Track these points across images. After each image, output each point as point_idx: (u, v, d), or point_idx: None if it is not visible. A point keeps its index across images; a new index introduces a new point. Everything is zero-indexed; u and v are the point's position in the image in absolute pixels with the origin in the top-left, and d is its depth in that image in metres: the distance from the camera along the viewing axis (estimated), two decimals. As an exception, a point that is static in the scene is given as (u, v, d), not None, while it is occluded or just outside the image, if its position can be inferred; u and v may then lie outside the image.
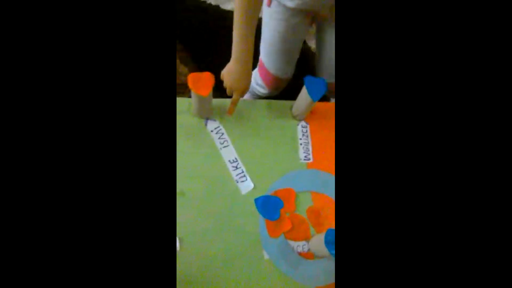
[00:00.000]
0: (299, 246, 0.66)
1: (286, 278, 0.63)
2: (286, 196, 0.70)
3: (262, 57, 0.95)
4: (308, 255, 0.66)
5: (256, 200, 0.68)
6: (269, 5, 0.81)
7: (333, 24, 0.84)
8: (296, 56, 0.94)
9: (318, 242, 0.62)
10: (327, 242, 0.56)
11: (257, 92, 1.07)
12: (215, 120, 0.75)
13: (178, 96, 0.75)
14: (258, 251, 0.64)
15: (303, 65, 1.05)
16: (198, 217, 0.65)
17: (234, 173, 0.71)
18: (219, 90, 0.76)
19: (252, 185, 0.70)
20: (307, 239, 0.67)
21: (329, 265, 0.65)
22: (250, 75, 0.71)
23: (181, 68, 1.28)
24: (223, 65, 0.72)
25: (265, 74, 0.98)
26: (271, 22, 0.83)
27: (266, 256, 0.64)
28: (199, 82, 0.65)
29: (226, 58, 0.70)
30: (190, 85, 0.65)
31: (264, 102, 0.81)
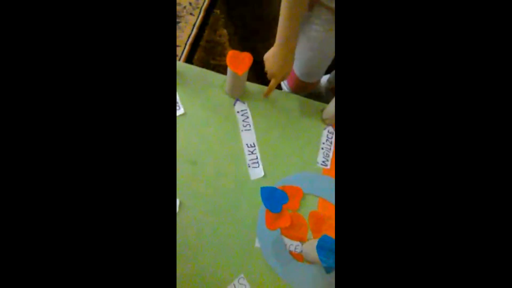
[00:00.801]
0: (292, 245, 0.65)
1: (269, 270, 0.62)
2: (293, 194, 0.69)
3: (295, 68, 0.93)
4: (298, 257, 0.65)
5: (262, 188, 0.68)
6: (309, 9, 0.77)
7: None
8: (327, 63, 0.92)
9: (312, 247, 0.61)
10: (319, 247, 0.55)
11: (283, 87, 1.07)
12: (244, 103, 0.76)
13: (212, 60, 0.77)
14: (251, 237, 0.64)
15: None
16: (202, 187, 0.66)
17: (248, 157, 0.71)
18: (256, 76, 0.77)
19: (262, 173, 0.70)
20: (302, 240, 0.66)
21: (317, 272, 0.64)
22: (292, 62, 0.70)
23: (220, 29, 1.31)
24: (264, 51, 0.73)
25: (291, 76, 0.97)
26: (306, 28, 0.80)
27: (256, 244, 0.64)
28: (237, 60, 0.66)
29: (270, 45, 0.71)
30: (228, 61, 0.66)
31: (297, 97, 0.80)
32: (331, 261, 0.54)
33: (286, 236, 0.66)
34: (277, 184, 0.70)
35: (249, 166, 0.70)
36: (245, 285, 0.60)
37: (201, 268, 0.60)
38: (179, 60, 1.24)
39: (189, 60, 1.27)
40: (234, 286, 0.60)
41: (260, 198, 0.67)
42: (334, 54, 0.88)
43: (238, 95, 0.76)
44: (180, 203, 0.64)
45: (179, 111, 0.73)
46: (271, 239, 0.65)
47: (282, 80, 0.73)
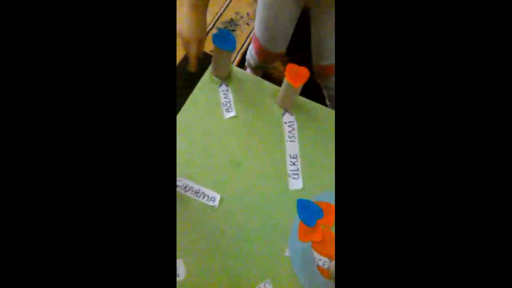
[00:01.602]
0: (321, 260, 0.66)
1: (296, 280, 0.63)
2: (328, 211, 0.70)
3: (256, 30, 0.99)
4: (325, 273, 0.65)
5: (299, 200, 0.70)
6: None
7: (326, 6, 0.84)
8: (289, 30, 0.96)
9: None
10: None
11: (251, 63, 1.13)
12: (292, 115, 0.78)
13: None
14: (282, 244, 0.66)
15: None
16: (243, 188, 0.69)
17: (289, 168, 0.73)
18: (307, 91, 0.79)
19: (301, 185, 0.71)
20: (331, 258, 0.66)
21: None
22: (204, 24, 0.67)
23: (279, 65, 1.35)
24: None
25: (257, 46, 1.03)
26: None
27: (287, 253, 0.65)
28: (295, 73, 0.69)
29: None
30: (286, 74, 0.69)
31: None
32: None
33: (316, 251, 0.67)
34: (314, 199, 0.71)
35: (289, 176, 0.72)
36: (270, 290, 0.62)
37: (232, 264, 0.63)
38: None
39: (239, 67, 1.32)
40: (261, 284, 0.61)
41: (295, 209, 0.69)
42: (295, 20, 0.93)
43: (288, 106, 0.78)
44: (221, 198, 0.67)
45: (231, 113, 0.77)
46: (301, 251, 0.66)
47: (200, 45, 0.69)
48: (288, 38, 0.99)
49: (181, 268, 0.60)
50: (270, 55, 1.03)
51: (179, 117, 0.75)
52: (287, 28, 0.95)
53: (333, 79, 1.02)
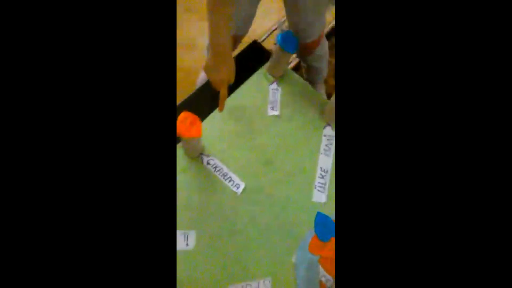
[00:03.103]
0: (325, 277, 0.65)
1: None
2: (344, 231, 0.69)
3: None
4: (326, 291, 0.64)
5: (319, 213, 0.70)
6: None
7: None
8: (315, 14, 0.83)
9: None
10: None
11: None
12: (333, 130, 0.79)
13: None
14: (291, 249, 0.66)
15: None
16: (269, 184, 0.70)
17: (318, 180, 0.73)
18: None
19: (324, 200, 0.71)
20: (334, 277, 0.66)
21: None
22: (231, 66, 0.66)
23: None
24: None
25: None
26: None
27: (293, 259, 0.65)
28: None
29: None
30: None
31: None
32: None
33: (323, 267, 0.66)
34: (333, 217, 0.70)
35: (315, 188, 0.72)
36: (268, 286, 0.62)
37: (239, 250, 0.64)
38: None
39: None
40: (259, 285, 0.61)
41: (313, 220, 0.69)
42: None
43: (333, 123, 0.79)
44: (245, 188, 0.69)
45: (275, 112, 0.78)
46: (307, 261, 0.66)
47: (229, 84, 0.68)
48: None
49: (192, 238, 0.62)
50: (307, 47, 0.93)
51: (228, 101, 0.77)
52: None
53: (316, 51, 0.97)
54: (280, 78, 0.83)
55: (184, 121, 0.60)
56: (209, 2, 0.58)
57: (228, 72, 0.66)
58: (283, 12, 0.89)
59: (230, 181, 0.69)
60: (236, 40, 0.91)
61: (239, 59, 0.77)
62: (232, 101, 0.77)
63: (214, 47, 0.63)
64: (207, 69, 0.66)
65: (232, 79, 0.68)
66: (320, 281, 0.65)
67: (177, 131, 0.59)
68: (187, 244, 0.61)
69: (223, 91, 0.67)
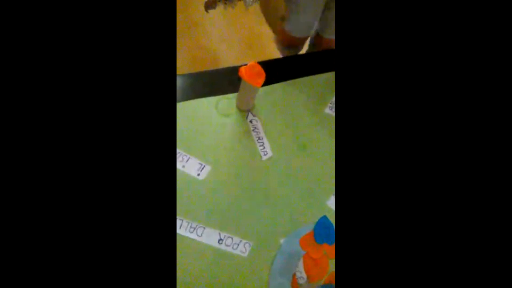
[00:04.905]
0: (300, 272, 0.65)
1: (268, 268, 0.63)
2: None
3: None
4: (295, 285, 0.64)
5: (324, 217, 0.69)
6: None
7: None
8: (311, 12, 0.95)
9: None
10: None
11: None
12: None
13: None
14: (286, 231, 0.67)
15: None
16: (299, 163, 0.72)
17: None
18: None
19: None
20: (309, 279, 0.64)
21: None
22: None
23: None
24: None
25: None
26: None
27: (281, 241, 0.65)
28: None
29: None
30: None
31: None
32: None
33: (304, 263, 0.65)
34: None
35: (334, 194, 0.72)
36: (246, 251, 0.63)
37: (241, 205, 0.66)
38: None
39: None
40: (240, 242, 0.63)
41: (315, 220, 0.68)
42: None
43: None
44: (272, 156, 0.71)
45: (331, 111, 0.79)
46: (293, 250, 0.65)
47: None
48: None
49: (205, 171, 0.66)
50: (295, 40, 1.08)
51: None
52: None
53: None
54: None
55: (252, 69, 0.64)
56: None
57: None
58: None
59: (261, 145, 0.72)
60: (299, 41, 1.06)
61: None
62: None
63: None
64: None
65: None
66: (294, 274, 0.64)
67: (241, 74, 0.64)
68: (198, 174, 0.65)
69: None
